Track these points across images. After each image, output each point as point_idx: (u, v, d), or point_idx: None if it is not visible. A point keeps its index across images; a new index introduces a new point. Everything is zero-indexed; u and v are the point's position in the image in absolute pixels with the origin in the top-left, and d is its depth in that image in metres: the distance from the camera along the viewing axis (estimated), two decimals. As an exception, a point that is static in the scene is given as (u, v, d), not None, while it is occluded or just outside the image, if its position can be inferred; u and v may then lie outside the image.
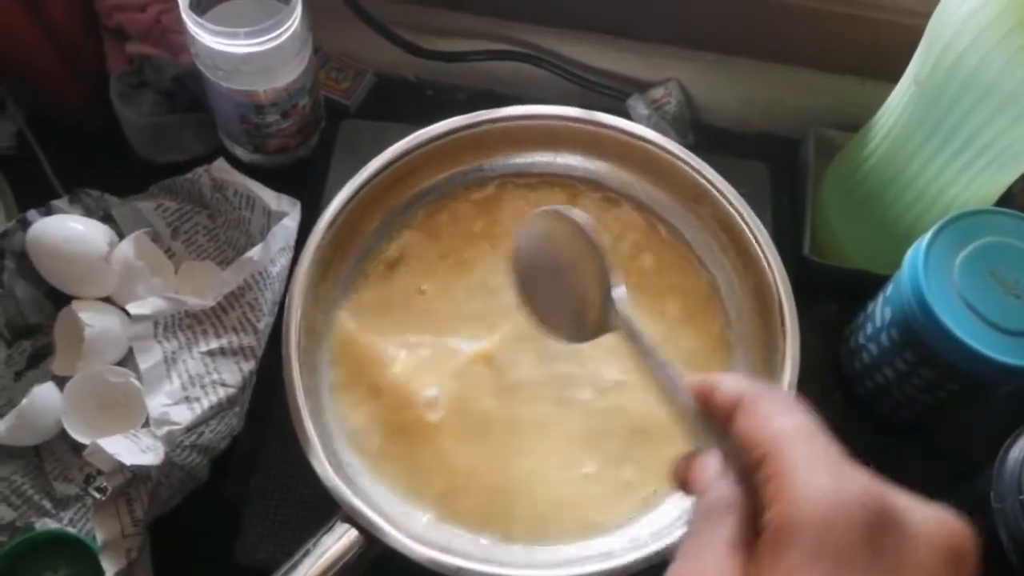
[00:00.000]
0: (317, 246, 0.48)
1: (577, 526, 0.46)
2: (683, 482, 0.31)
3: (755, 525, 0.26)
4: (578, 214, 0.39)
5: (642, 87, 0.66)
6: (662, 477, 0.46)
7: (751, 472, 0.27)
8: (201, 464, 0.52)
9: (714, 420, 0.30)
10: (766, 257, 0.50)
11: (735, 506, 0.27)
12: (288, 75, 0.56)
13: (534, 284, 0.42)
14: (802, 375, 0.59)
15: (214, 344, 0.49)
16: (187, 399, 0.47)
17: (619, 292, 0.37)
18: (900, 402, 0.53)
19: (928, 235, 0.48)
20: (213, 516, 0.51)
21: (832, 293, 0.60)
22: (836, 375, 0.59)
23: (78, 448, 0.52)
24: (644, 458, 0.48)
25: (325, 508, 0.44)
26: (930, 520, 0.25)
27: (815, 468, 0.25)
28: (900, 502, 0.25)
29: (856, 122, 0.60)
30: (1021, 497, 0.41)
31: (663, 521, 0.46)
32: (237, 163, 0.60)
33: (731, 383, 0.30)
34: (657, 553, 0.42)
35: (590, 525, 0.46)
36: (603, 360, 0.50)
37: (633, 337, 0.35)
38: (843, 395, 0.58)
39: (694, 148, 0.54)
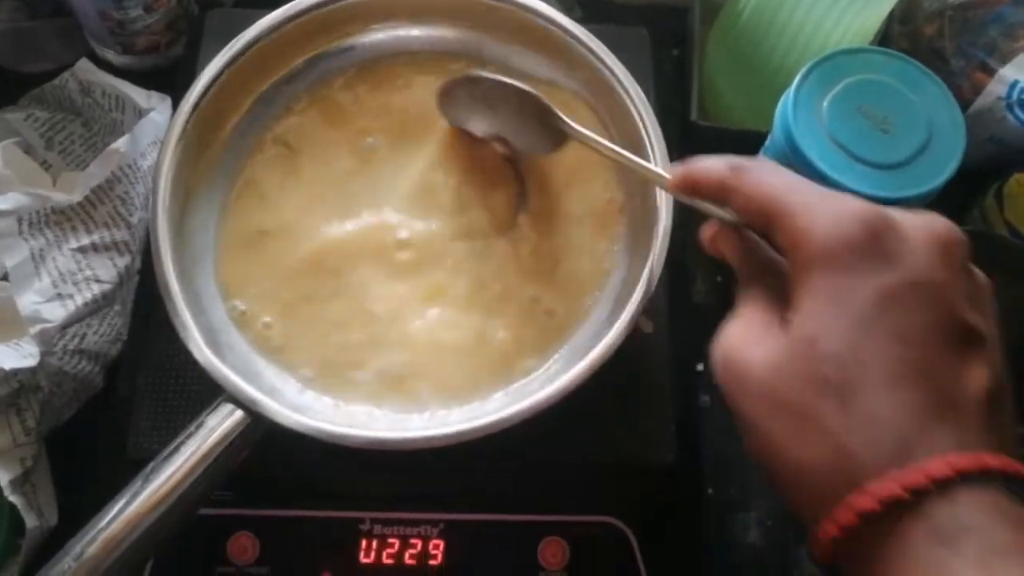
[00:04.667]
0: (181, 131, 0.47)
1: (457, 392, 0.47)
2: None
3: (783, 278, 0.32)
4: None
5: (522, -39, 0.65)
6: (528, 348, 0.48)
7: (764, 233, 0.33)
8: (93, 371, 0.52)
9: (708, 201, 0.36)
10: (641, 117, 0.50)
11: (764, 269, 0.34)
12: (144, -38, 0.54)
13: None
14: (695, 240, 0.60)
15: (85, 240, 0.48)
16: (59, 296, 0.46)
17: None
18: (787, 253, 0.54)
19: (797, 78, 0.48)
20: (110, 419, 0.51)
21: (725, 158, 0.60)
22: (731, 237, 0.59)
23: (-36, 367, 0.51)
24: (512, 326, 0.48)
25: (215, 396, 0.44)
26: (919, 220, 0.31)
27: (812, 206, 0.31)
28: (893, 212, 0.31)
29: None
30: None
31: (530, 387, 0.46)
32: (110, 68, 0.58)
33: (710, 168, 0.35)
34: (526, 409, 0.42)
35: (463, 391, 0.47)
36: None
37: (595, 145, 0.43)
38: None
39: (580, 22, 0.53)
